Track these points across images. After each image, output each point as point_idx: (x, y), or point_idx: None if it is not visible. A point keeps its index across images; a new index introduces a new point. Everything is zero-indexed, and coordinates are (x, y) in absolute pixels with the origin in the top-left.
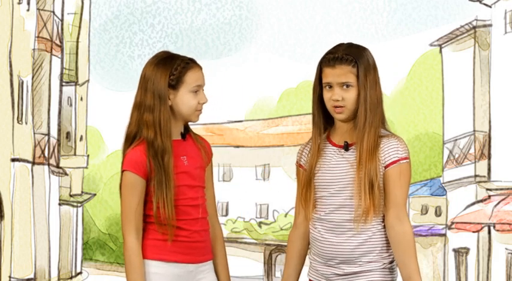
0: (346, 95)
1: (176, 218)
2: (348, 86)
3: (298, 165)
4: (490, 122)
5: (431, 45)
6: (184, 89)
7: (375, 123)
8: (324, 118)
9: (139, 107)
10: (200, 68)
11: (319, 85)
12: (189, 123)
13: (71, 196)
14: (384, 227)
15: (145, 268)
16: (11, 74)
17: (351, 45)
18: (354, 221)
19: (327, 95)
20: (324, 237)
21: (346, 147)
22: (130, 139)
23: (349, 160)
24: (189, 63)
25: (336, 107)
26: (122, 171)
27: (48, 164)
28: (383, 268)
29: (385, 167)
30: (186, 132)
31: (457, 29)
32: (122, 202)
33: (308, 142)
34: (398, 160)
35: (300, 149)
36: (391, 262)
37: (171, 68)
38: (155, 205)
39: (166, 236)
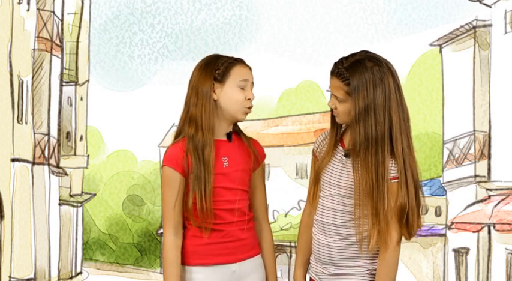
0: (339, 107)
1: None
2: (338, 99)
3: (314, 154)
4: (490, 122)
5: (431, 45)
6: (230, 82)
7: (371, 153)
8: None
9: (185, 105)
10: (248, 67)
11: None
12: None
13: (71, 196)
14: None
15: (186, 274)
16: (11, 74)
17: (357, 62)
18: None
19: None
20: (317, 237)
21: (347, 154)
22: (176, 138)
23: (347, 167)
24: (236, 60)
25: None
26: (161, 167)
27: (48, 164)
28: (367, 274)
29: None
30: (234, 134)
31: (457, 29)
32: (162, 199)
33: (326, 133)
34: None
35: (318, 138)
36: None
37: (216, 64)
38: (191, 199)
39: (203, 239)
